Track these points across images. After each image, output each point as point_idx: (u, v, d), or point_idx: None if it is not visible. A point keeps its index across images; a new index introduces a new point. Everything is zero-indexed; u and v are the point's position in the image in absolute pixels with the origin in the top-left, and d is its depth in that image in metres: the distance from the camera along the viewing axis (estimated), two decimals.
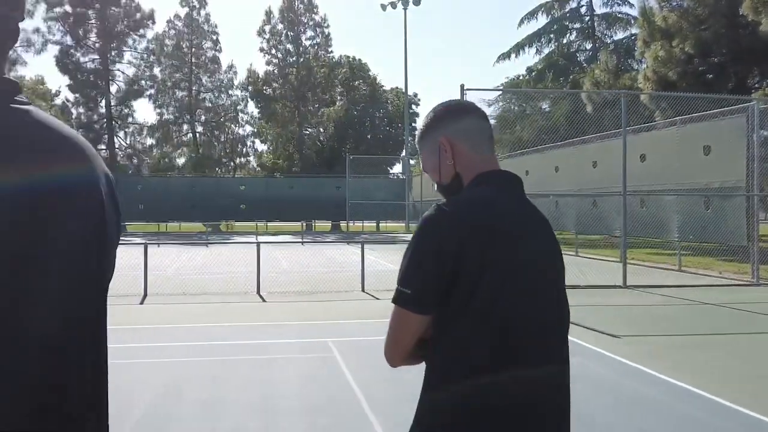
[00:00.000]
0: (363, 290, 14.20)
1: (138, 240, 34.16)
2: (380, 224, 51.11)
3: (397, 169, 61.92)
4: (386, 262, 21.20)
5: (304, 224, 48.52)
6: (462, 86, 15.02)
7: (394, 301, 1.85)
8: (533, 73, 50.95)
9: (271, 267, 18.83)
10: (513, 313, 1.79)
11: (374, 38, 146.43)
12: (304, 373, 7.36)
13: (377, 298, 13.29)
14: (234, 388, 6.69)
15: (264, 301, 13.10)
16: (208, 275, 16.95)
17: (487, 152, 2.08)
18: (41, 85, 66.88)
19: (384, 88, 67.97)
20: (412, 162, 51.37)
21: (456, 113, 2.08)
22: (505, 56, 52.35)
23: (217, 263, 19.75)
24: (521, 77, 53.39)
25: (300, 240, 34.55)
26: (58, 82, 62.81)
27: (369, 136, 64.06)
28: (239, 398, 6.35)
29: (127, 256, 19.37)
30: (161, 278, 15.49)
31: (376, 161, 49.29)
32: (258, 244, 14.68)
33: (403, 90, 53.79)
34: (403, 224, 47.29)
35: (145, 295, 13.42)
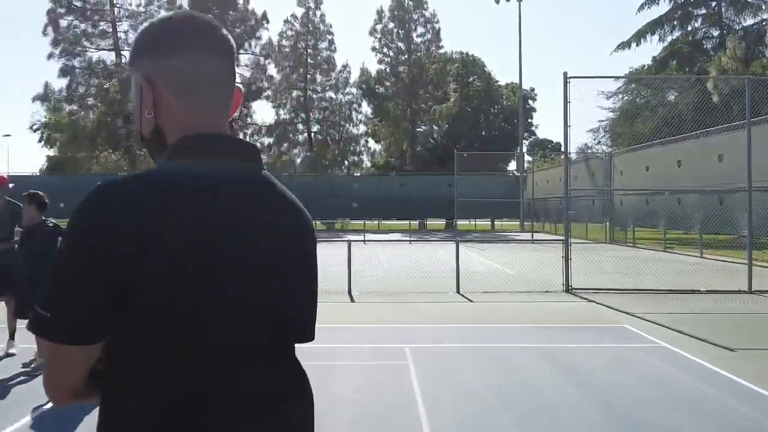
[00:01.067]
0: (458, 292, 13.51)
1: None
2: (495, 222, 49.96)
3: (513, 166, 60.45)
4: (490, 262, 20.38)
5: (418, 223, 48.21)
6: (565, 74, 14.01)
7: (35, 330, 1.29)
8: (655, 62, 48.17)
9: (371, 266, 18.48)
10: (204, 336, 1.31)
11: (486, 32, 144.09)
12: (365, 383, 6.81)
13: (471, 301, 12.57)
14: None
15: (353, 301, 12.67)
16: None
17: (211, 107, 1.48)
18: None
19: (499, 83, 66.57)
20: (527, 159, 49.95)
21: (167, 44, 1.47)
22: (625, 45, 49.74)
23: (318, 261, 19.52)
24: (644, 66, 50.65)
25: (408, 238, 34.12)
26: None
27: (483, 133, 62.93)
28: None
29: None
30: None
31: (489, 158, 48.18)
32: (349, 243, 14.29)
33: (518, 85, 52.31)
34: (518, 222, 46.01)
35: None
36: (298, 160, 61.38)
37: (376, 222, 48.01)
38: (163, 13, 1.55)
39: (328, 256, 17.86)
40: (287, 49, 58.09)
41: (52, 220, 7.28)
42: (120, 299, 1.27)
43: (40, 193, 7.21)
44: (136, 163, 52.60)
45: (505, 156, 58.21)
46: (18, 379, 6.81)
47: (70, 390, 1.37)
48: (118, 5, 52.60)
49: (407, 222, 46.60)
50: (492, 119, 64.56)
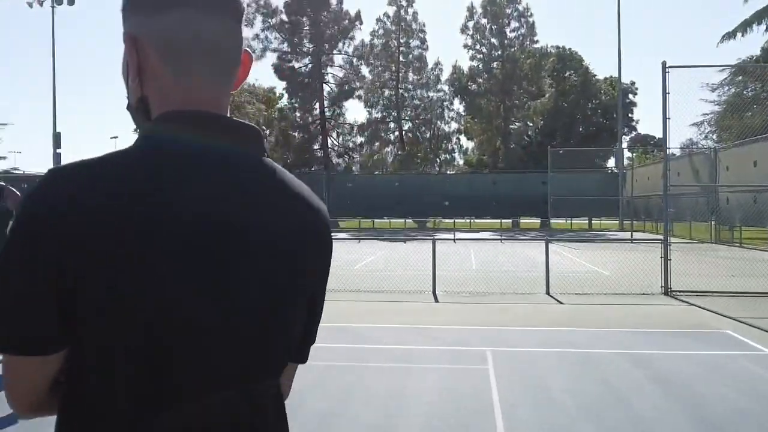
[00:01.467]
0: (548, 293, 12.97)
1: (342, 235, 35.16)
2: (592, 221, 48.42)
3: (612, 162, 58.42)
4: (585, 262, 19.61)
5: (511, 221, 47.36)
6: (664, 63, 13.22)
7: None
8: (764, 52, 45.39)
9: (459, 265, 18.13)
10: (168, 346, 1.11)
11: (583, 25, 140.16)
12: (442, 388, 6.50)
13: (561, 303, 12.04)
14: (356, 400, 6.02)
15: (436, 301, 12.37)
16: (392, 271, 16.56)
17: (206, 76, 1.22)
18: (271, 93, 71.83)
19: (596, 77, 64.56)
20: (627, 155, 48.10)
21: None
22: (730, 36, 47.13)
23: (406, 259, 19.30)
24: (751, 57, 47.89)
25: (499, 237, 33.46)
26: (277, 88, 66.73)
27: (580, 129, 61.16)
28: (357, 413, 5.67)
29: None
30: (345, 274, 15.30)
31: (586, 155, 46.72)
32: (434, 241, 13.97)
33: (618, 78, 50.50)
34: (617, 221, 44.41)
35: None
36: (390, 159, 61.51)
37: (468, 220, 47.42)
38: None
39: (416, 254, 17.68)
40: (379, 48, 58.26)
41: None
42: (60, 303, 1.07)
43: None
44: None
45: (604, 153, 56.35)
46: None
47: (29, 402, 1.19)
48: None
49: (499, 221, 45.82)
50: (589, 115, 62.65)
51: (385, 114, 59.70)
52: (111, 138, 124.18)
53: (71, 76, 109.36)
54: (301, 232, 1.27)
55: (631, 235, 32.18)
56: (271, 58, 56.88)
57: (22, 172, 52.20)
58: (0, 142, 60.10)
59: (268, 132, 69.22)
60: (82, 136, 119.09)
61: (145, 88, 1.22)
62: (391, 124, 60.25)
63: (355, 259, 19.36)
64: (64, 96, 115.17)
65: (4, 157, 61.19)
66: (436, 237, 15.22)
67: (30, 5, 45.56)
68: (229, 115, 1.28)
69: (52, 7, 45.90)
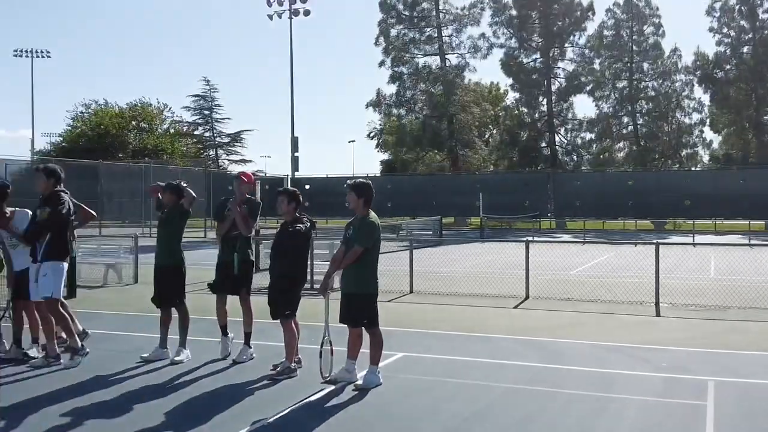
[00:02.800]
0: None
1: (566, 237, 33.41)
2: None
3: None
4: None
5: (765, 223, 42.27)
6: None
7: None
8: None
9: (693, 273, 16.05)
10: None
11: None
12: (644, 428, 5.31)
13: None
14: None
15: (657, 314, 10.81)
16: (612, 278, 14.98)
17: None
18: (495, 91, 71.09)
19: None
20: None
21: None
22: None
23: (631, 265, 17.21)
24: None
25: (748, 241, 29.68)
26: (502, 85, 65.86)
27: None
28: None
29: (542, 254, 18.73)
30: (557, 280, 14.08)
31: None
32: (657, 245, 12.27)
33: None
34: None
35: (526, 297, 12.23)
36: (622, 155, 57.83)
37: (713, 222, 42.94)
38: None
39: (644, 258, 15.74)
40: (610, 39, 54.95)
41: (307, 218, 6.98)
42: None
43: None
44: (458, 164, 53.93)
45: None
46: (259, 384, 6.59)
47: None
48: (443, 11, 54.43)
49: (747, 222, 40.96)
50: None
51: (617, 107, 56.23)
52: (349, 142, 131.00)
53: (307, 85, 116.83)
54: None
55: None
56: (498, 54, 56.05)
57: (263, 175, 56.36)
58: (246, 147, 65.41)
59: (494, 131, 68.56)
60: (319, 140, 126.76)
61: None
62: (624, 118, 56.63)
63: (573, 264, 17.95)
64: (302, 102, 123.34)
65: (251, 161, 66.63)
66: (664, 241, 13.47)
67: (270, 18, 48.96)
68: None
69: (290, 18, 48.99)
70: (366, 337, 6.56)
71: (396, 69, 54.88)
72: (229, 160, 66.41)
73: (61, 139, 62.00)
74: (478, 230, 36.44)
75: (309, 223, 6.92)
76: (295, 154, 49.76)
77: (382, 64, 54.87)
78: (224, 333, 7.67)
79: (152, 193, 8.04)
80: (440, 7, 54.29)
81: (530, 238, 17.36)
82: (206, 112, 65.46)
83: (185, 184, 7.70)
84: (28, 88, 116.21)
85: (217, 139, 66.19)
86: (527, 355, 7.86)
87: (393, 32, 55.01)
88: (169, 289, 7.49)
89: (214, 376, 6.86)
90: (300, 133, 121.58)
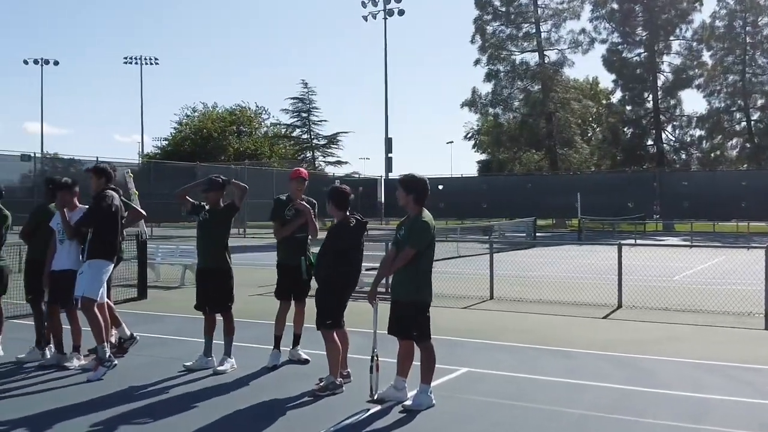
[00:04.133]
0: None
1: (672, 240, 31.38)
2: None
3: None
4: None
5: None
6: None
7: None
8: None
9: None
10: None
11: None
12: None
13: None
14: None
15: (767, 328, 9.52)
16: (719, 285, 13.57)
17: None
18: (595, 86, 68.48)
19: None
20: None
21: None
22: None
23: (742, 270, 15.51)
24: None
25: None
26: (605, 81, 63.03)
27: None
28: None
29: (642, 258, 17.28)
30: (658, 287, 12.85)
31: None
32: (767, 249, 10.91)
33: None
34: None
35: (618, 306, 11.14)
36: (734, 153, 54.26)
37: None
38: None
39: (758, 263, 14.20)
40: (721, 30, 51.65)
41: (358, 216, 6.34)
42: None
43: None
44: (557, 163, 52.12)
45: None
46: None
47: None
48: (542, 6, 52.77)
49: None
50: None
51: (728, 103, 52.76)
52: (447, 143, 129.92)
53: (403, 85, 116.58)
54: None
55: None
56: (600, 50, 53.66)
57: (357, 176, 56.34)
58: (342, 149, 65.68)
59: (596, 129, 66.00)
60: (417, 142, 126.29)
61: None
62: (737, 114, 53.07)
63: (676, 269, 16.47)
64: (399, 103, 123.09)
65: (346, 162, 66.87)
66: None
67: (365, 19, 48.92)
68: None
69: (384, 19, 48.75)
70: (418, 351, 5.84)
71: (492, 67, 53.54)
72: (325, 161, 66.94)
73: (167, 142, 64.23)
74: (576, 232, 34.87)
75: (355, 223, 6.25)
76: (389, 156, 49.55)
77: (477, 62, 53.69)
78: (277, 345, 7.13)
79: (180, 200, 7.36)
80: (538, 2, 52.61)
81: (632, 241, 16.12)
82: (304, 115, 66.15)
83: (225, 179, 7.22)
84: (138, 95, 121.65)
85: (314, 141, 66.78)
86: (610, 374, 6.93)
87: (489, 29, 53.71)
88: (218, 294, 7.01)
89: (255, 389, 6.33)
90: (398, 135, 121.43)
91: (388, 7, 48.48)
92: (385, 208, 48.75)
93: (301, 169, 7.60)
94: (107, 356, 6.79)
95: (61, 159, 41.96)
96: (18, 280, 8.14)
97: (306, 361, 7.12)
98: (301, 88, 67.09)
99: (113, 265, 7.10)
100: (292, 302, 7.19)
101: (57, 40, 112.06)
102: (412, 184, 5.83)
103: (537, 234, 32.95)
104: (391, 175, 47.70)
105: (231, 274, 7.14)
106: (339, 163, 66.68)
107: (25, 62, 61.97)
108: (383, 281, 7.27)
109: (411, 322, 5.68)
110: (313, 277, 6.68)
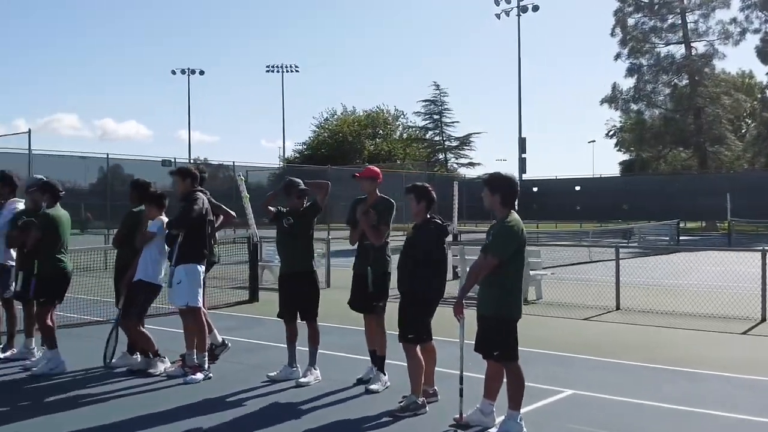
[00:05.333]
0: None
1: None
2: None
3: None
4: None
5: None
6: None
7: None
8: None
9: None
10: None
11: None
12: None
13: None
14: None
15: None
16: None
17: None
18: (748, 78, 63.51)
19: None
20: None
21: None
22: None
23: None
24: None
25: None
26: (759, 74, 57.94)
27: None
28: None
29: None
30: None
31: None
32: None
33: None
34: None
35: (762, 320, 9.85)
36: None
37: None
38: None
39: None
40: None
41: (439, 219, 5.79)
42: None
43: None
44: (707, 162, 48.69)
45: None
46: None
47: None
48: None
49: None
50: None
51: None
52: (588, 142, 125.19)
53: (538, 84, 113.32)
54: None
55: None
56: (752, 40, 49.56)
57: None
58: (474, 150, 64.69)
59: (752, 124, 61.08)
60: (556, 142, 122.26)
61: None
62: None
63: None
64: (534, 102, 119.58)
65: (479, 164, 65.82)
66: None
67: (498, 17, 47.81)
68: None
69: (518, 15, 47.43)
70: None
71: (634, 61, 50.87)
72: (458, 163, 66.29)
73: (305, 147, 65.94)
74: (726, 236, 32.19)
75: (434, 227, 5.70)
76: (523, 156, 48.11)
77: (618, 56, 51.22)
78: (374, 360, 6.47)
79: (265, 211, 7.02)
80: None
81: None
82: (436, 117, 65.89)
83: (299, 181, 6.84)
84: (279, 101, 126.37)
85: (446, 142, 66.32)
86: (741, 403, 5.94)
87: (631, 21, 51.07)
88: (306, 300, 6.66)
89: (335, 405, 5.90)
90: (534, 135, 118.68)
91: (521, 3, 47.14)
92: (519, 209, 47.41)
93: (372, 167, 6.95)
94: (206, 365, 6.76)
95: (209, 164, 44.31)
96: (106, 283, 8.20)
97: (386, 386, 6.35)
98: (432, 90, 66.79)
99: (205, 268, 6.97)
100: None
101: (201, 50, 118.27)
102: (498, 182, 5.21)
103: (681, 237, 30.74)
104: (525, 177, 46.35)
105: (316, 278, 6.79)
106: (471, 164, 65.84)
107: (173, 72, 65.50)
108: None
109: (493, 340, 5.05)
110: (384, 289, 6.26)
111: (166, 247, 6.87)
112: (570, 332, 9.30)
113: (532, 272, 12.17)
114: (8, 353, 7.49)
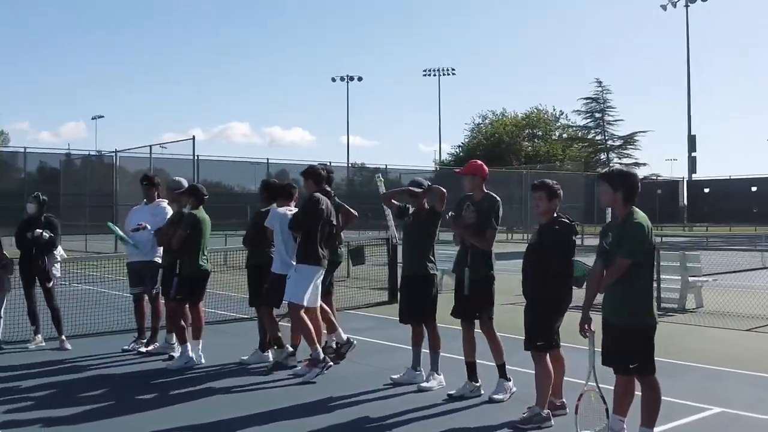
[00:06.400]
0: None
1: None
2: None
3: None
4: None
5: None
6: None
7: None
8: None
9: None
10: None
11: None
12: None
13: None
14: None
15: None
16: None
17: None
18: None
19: None
20: None
21: None
22: None
23: None
24: None
25: None
26: None
27: None
28: None
29: None
30: None
31: None
32: None
33: None
34: None
35: None
36: None
37: None
38: None
39: None
40: None
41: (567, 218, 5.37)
42: None
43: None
44: None
45: None
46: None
47: None
48: None
49: None
50: None
51: None
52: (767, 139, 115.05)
53: (709, 75, 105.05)
54: None
55: None
56: None
57: (655, 178, 52.07)
58: (639, 149, 61.31)
59: None
60: (735, 140, 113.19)
61: None
62: None
63: None
64: (706, 97, 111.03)
65: (644, 164, 62.43)
66: None
67: (664, 8, 45.23)
68: None
69: (686, 6, 44.63)
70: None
71: None
72: (621, 163, 63.22)
73: (460, 149, 65.65)
74: None
75: (560, 227, 5.26)
76: (692, 155, 45.27)
77: None
78: (470, 374, 6.07)
79: (386, 203, 6.90)
80: None
81: None
82: (597, 115, 63.27)
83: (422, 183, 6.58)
84: (436, 104, 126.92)
85: (609, 142, 63.51)
86: None
87: None
88: (419, 304, 6.41)
89: (454, 413, 5.60)
90: (706, 133, 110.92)
91: None
92: (688, 212, 44.62)
93: (476, 161, 6.35)
94: (321, 358, 6.66)
95: (365, 168, 45.48)
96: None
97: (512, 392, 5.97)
98: (594, 87, 64.15)
99: (323, 269, 6.91)
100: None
101: (359, 59, 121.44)
102: (620, 178, 4.74)
103: None
104: (695, 177, 43.53)
105: (433, 282, 6.50)
106: (636, 164, 62.55)
107: (333, 80, 67.56)
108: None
109: (629, 352, 4.54)
110: (469, 293, 5.88)
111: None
112: (729, 344, 8.42)
113: (691, 278, 11.25)
114: (150, 347, 7.85)
